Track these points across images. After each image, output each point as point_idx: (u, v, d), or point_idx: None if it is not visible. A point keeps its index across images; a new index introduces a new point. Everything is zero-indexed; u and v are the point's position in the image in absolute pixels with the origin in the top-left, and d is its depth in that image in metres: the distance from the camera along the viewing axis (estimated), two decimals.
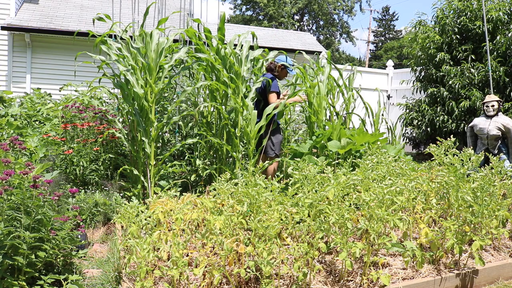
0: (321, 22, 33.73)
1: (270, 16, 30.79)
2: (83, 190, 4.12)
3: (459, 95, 7.85)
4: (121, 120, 4.84)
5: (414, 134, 9.24)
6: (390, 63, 12.41)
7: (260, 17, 31.83)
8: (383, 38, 39.10)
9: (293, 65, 4.84)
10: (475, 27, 7.90)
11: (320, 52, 10.97)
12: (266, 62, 4.73)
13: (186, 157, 5.16)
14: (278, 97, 4.60)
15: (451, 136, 3.68)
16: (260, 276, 2.47)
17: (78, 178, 4.41)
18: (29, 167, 2.48)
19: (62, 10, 10.27)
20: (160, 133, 4.65)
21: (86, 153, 4.51)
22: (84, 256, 3.08)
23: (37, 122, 5.49)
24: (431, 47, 8.43)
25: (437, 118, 8.09)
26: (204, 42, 4.52)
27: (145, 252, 2.41)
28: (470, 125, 5.62)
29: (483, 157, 4.09)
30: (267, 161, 4.47)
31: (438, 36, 8.38)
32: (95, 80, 4.73)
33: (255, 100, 4.71)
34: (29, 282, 2.34)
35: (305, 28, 34.04)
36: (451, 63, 8.21)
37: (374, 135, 4.41)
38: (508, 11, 7.72)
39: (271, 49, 5.45)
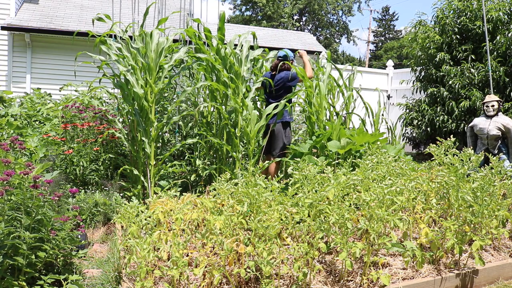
0: (321, 22, 33.73)
1: (269, 16, 30.79)
2: (83, 190, 4.12)
3: (459, 95, 7.85)
4: (121, 120, 4.84)
5: (414, 134, 9.24)
6: (390, 63, 12.41)
7: (259, 17, 31.83)
8: (383, 38, 39.09)
9: (294, 57, 4.96)
10: (475, 27, 7.90)
11: (320, 52, 10.97)
12: (276, 63, 4.79)
13: (186, 157, 5.15)
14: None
15: (451, 136, 3.68)
16: (260, 276, 2.47)
17: (78, 178, 4.41)
18: (29, 167, 2.48)
19: (62, 10, 10.27)
20: (160, 133, 4.65)
21: (86, 153, 4.51)
22: (84, 256, 3.08)
23: (37, 122, 5.49)
24: (431, 47, 8.43)
25: (437, 118, 8.09)
26: (204, 42, 4.52)
27: (145, 252, 2.41)
28: (470, 125, 5.62)
29: (483, 157, 4.09)
30: (266, 161, 4.47)
31: (438, 36, 8.38)
32: (95, 80, 4.73)
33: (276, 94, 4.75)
34: (29, 282, 2.34)
35: (305, 28, 34.04)
36: (451, 63, 8.21)
37: (374, 135, 4.41)
38: (508, 11, 7.72)
39: (271, 49, 5.45)
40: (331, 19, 33.92)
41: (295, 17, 33.06)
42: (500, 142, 5.30)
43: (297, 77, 4.69)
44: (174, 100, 5.32)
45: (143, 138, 3.94)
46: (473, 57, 7.97)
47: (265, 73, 4.94)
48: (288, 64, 4.74)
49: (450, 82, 7.87)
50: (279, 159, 4.54)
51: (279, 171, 4.96)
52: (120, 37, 4.35)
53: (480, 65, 7.70)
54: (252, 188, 2.84)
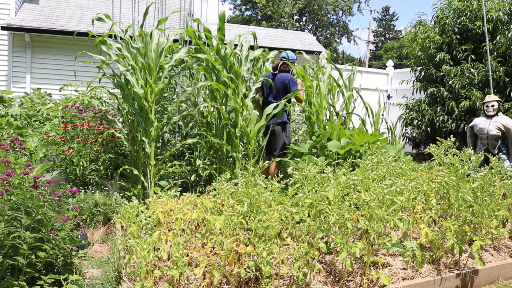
0: (321, 22, 33.73)
1: (269, 16, 30.79)
2: (83, 190, 4.12)
3: (459, 95, 7.85)
4: (121, 120, 4.84)
5: (414, 134, 9.24)
6: (390, 63, 12.42)
7: (259, 17, 31.83)
8: (383, 38, 39.09)
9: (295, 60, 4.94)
10: (475, 27, 7.90)
11: (320, 52, 10.98)
12: (277, 63, 4.79)
13: (186, 157, 5.15)
14: None
15: (451, 136, 3.68)
16: (260, 276, 2.47)
17: (78, 178, 4.41)
18: (29, 167, 2.48)
19: (62, 10, 10.27)
20: (160, 133, 4.65)
21: (86, 153, 4.51)
22: (84, 256, 3.08)
23: (37, 122, 5.49)
24: (431, 47, 8.43)
25: (437, 118, 8.09)
26: (204, 42, 4.52)
27: (145, 252, 2.41)
28: (470, 125, 5.62)
29: (483, 157, 4.07)
30: (267, 161, 4.48)
31: (438, 36, 8.38)
32: (95, 80, 4.73)
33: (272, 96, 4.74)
34: (29, 282, 2.34)
35: (305, 28, 34.04)
36: (451, 63, 8.22)
37: (374, 135, 4.41)
38: (508, 11, 7.72)
39: (271, 49, 5.45)
40: (331, 19, 33.93)
41: (295, 17, 33.06)
42: (500, 142, 5.29)
43: (296, 84, 4.68)
44: (174, 100, 5.32)
45: (143, 138, 3.94)
46: (473, 57, 7.98)
47: (266, 73, 4.94)
48: (290, 65, 4.74)
49: (450, 82, 7.87)
50: (280, 159, 4.54)
51: (279, 171, 4.96)
52: (120, 37, 4.35)
53: (480, 65, 7.70)
54: (252, 188, 2.84)
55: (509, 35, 7.44)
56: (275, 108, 4.42)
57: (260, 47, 5.07)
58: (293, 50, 5.10)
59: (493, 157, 3.92)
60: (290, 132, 4.82)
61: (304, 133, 6.00)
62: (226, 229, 2.57)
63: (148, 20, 8.20)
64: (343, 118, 5.52)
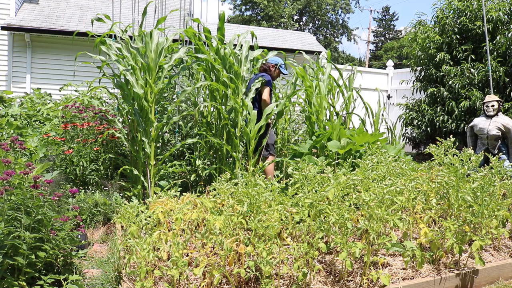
0: (322, 22, 33.75)
1: (270, 16, 30.81)
2: (83, 190, 4.12)
3: (459, 95, 7.85)
4: (121, 120, 4.83)
5: (414, 134, 9.24)
6: (390, 63, 12.42)
7: (259, 17, 31.84)
8: (383, 38, 39.09)
9: (285, 65, 4.82)
10: (475, 27, 7.90)
11: (320, 52, 10.98)
12: (260, 63, 4.74)
13: (186, 157, 5.15)
14: (271, 93, 4.62)
15: (451, 136, 3.68)
16: (260, 276, 2.47)
17: (78, 178, 4.41)
18: (30, 167, 2.48)
19: (62, 10, 10.27)
20: (160, 133, 4.65)
21: (86, 153, 4.51)
22: (84, 256, 3.08)
23: (37, 122, 5.49)
24: (431, 47, 8.43)
25: (437, 118, 8.09)
26: (204, 42, 4.52)
27: (145, 252, 2.41)
28: (470, 125, 5.62)
29: (483, 157, 4.08)
30: (266, 161, 4.48)
31: (438, 36, 8.39)
32: (95, 80, 4.73)
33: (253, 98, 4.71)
34: (29, 282, 2.34)
35: (305, 28, 34.04)
36: (451, 63, 8.22)
37: (374, 135, 4.41)
38: (508, 11, 7.72)
39: (271, 49, 5.45)
40: (330, 18, 33.95)
41: (295, 17, 33.08)
42: (500, 142, 5.30)
43: (267, 82, 4.56)
44: (174, 100, 5.32)
45: (143, 138, 3.94)
46: (473, 57, 7.98)
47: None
48: (269, 66, 4.68)
49: (450, 82, 7.88)
50: (278, 159, 4.54)
51: (277, 172, 4.95)
52: (120, 37, 4.35)
53: (480, 65, 7.70)
54: (252, 188, 2.84)
55: (509, 35, 7.44)
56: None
57: (260, 47, 5.07)
58: (293, 50, 5.09)
59: (493, 157, 3.92)
60: (273, 132, 4.78)
61: (304, 133, 5.99)
62: (226, 229, 2.57)
63: (148, 20, 8.21)
64: (343, 118, 5.52)
